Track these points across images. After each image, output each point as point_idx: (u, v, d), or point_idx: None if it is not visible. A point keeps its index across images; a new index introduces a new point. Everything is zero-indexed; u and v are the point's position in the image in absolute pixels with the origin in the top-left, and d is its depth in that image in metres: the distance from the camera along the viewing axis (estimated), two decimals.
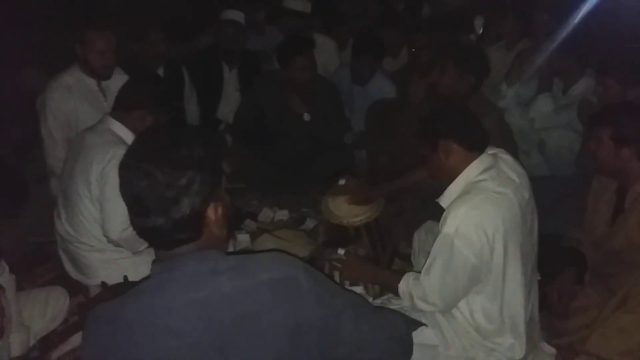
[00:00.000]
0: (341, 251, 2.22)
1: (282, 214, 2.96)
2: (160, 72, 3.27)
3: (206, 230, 1.06)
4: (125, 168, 1.04)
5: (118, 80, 2.57)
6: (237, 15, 3.58)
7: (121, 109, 2.18)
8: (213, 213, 1.06)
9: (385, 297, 1.91)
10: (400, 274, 1.79)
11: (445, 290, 1.63)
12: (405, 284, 1.73)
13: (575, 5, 3.29)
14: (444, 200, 1.72)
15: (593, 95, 2.70)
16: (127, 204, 1.04)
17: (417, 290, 1.68)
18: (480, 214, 1.57)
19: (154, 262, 1.06)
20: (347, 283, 2.25)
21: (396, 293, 1.77)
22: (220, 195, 1.09)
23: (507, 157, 1.76)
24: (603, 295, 1.97)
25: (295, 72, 2.98)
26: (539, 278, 1.94)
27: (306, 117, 3.10)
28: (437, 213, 1.69)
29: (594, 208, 2.08)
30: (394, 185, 2.40)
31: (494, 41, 3.78)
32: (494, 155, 1.73)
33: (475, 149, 1.69)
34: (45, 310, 2.06)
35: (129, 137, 2.14)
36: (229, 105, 3.64)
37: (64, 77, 2.71)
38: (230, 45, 3.54)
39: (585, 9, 3.30)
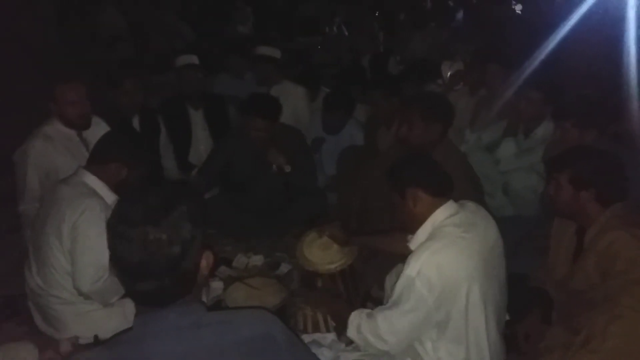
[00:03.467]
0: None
1: (257, 260, 2.97)
2: (136, 121, 3.32)
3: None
4: (122, 237, 1.02)
5: (100, 131, 2.57)
6: (193, 59, 3.71)
7: (96, 162, 2.20)
8: (205, 261, 1.10)
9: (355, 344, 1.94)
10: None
11: (400, 330, 1.69)
12: (357, 315, 1.80)
13: (534, 52, 3.47)
14: (412, 244, 1.81)
15: (552, 138, 2.83)
16: (127, 271, 1.03)
17: (371, 325, 1.74)
18: (442, 258, 1.65)
19: (136, 314, 1.09)
20: (322, 328, 2.28)
21: (346, 321, 1.83)
22: (207, 244, 1.13)
23: (471, 204, 1.85)
24: (569, 335, 2.01)
25: (251, 129, 3.01)
26: (507, 318, 2.00)
27: (287, 168, 3.11)
28: (408, 257, 1.75)
29: (556, 249, 2.15)
30: (370, 242, 2.44)
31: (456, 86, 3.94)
32: (460, 203, 1.83)
33: (441, 194, 1.80)
34: None
35: (103, 190, 2.17)
36: (200, 146, 3.72)
37: (44, 128, 2.72)
38: (192, 88, 3.64)
39: (543, 55, 3.49)
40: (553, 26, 3.88)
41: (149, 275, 1.02)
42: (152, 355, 1.01)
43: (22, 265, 2.34)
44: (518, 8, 6.42)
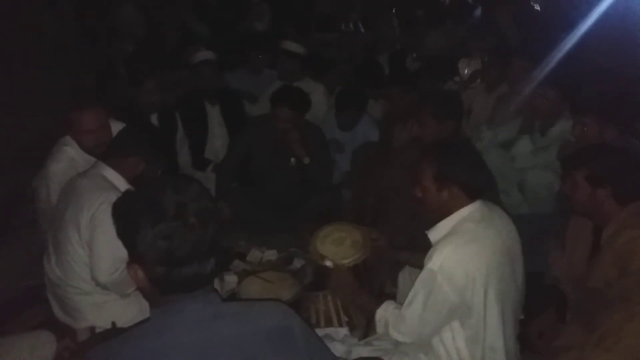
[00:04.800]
0: (329, 262, 2.28)
1: (271, 254, 2.99)
2: (154, 118, 3.36)
3: None
4: (176, 230, 1.02)
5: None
6: (209, 55, 3.74)
7: (115, 156, 2.23)
8: None
9: (368, 338, 1.96)
10: (382, 302, 1.86)
11: (422, 324, 1.70)
12: (384, 310, 1.81)
13: (553, 48, 3.43)
14: (432, 234, 1.80)
15: (571, 135, 2.79)
16: (175, 262, 1.03)
17: (395, 319, 1.75)
18: (464, 254, 1.66)
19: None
20: (335, 323, 2.29)
21: (373, 317, 1.84)
22: None
23: (488, 202, 1.85)
24: (585, 334, 1.99)
25: (278, 120, 3.06)
26: (522, 317, 1.98)
27: (306, 160, 3.16)
28: (429, 251, 1.74)
29: (572, 247, 2.13)
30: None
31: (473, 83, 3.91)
32: (483, 200, 1.82)
33: (476, 197, 1.78)
34: (32, 357, 2.06)
35: (121, 183, 2.19)
36: (216, 142, 3.75)
37: (65, 150, 2.55)
38: (209, 84, 3.68)
39: (563, 51, 3.45)
40: (573, 22, 3.83)
41: (196, 258, 1.03)
42: (172, 346, 1.01)
43: (41, 257, 2.38)
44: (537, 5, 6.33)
